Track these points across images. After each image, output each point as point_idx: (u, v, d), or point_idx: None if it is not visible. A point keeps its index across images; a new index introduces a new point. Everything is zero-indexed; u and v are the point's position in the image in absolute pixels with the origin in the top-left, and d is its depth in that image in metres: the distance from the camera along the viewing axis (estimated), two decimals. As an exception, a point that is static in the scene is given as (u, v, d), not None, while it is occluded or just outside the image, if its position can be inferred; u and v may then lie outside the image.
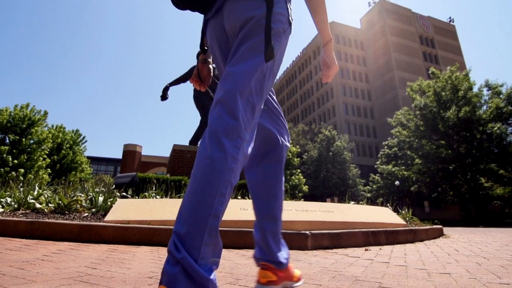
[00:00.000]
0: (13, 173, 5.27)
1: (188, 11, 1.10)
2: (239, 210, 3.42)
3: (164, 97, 7.51)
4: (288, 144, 1.25)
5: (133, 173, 4.81)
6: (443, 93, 24.10)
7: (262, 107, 1.00)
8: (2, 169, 14.42)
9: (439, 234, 4.66)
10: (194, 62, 8.01)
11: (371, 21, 57.31)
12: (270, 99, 1.22)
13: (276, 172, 1.17)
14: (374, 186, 32.21)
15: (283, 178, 1.23)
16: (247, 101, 0.90)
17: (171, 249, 0.75)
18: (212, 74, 1.28)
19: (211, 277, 0.74)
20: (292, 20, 1.03)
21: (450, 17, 61.79)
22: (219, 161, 0.81)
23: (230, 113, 0.86)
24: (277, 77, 70.07)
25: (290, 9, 1.03)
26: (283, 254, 1.15)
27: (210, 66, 1.26)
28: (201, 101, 7.37)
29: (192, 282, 0.72)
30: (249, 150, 0.91)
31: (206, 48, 1.18)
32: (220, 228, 2.40)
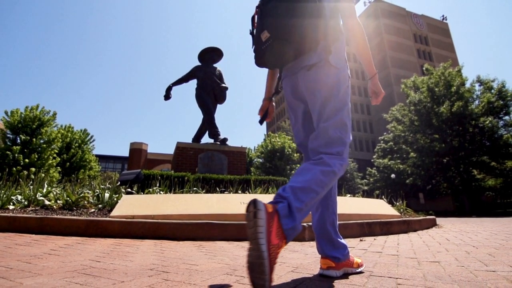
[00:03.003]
0: (25, 171, 5.28)
1: None
2: (239, 204, 3.43)
3: (167, 96, 7.50)
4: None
5: (137, 170, 4.82)
6: (436, 89, 23.93)
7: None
8: (14, 168, 14.46)
9: (432, 224, 4.66)
10: (196, 63, 7.97)
11: (366, 20, 56.81)
12: None
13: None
14: (371, 179, 32.17)
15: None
16: (340, 140, 1.22)
17: (279, 191, 1.06)
18: (274, 109, 1.62)
19: (295, 223, 0.99)
20: (350, 76, 1.33)
21: (443, 15, 61.34)
22: (332, 165, 1.15)
23: (335, 153, 1.20)
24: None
25: (348, 68, 1.33)
26: (339, 250, 1.31)
27: (273, 103, 1.62)
28: (203, 100, 7.36)
29: (289, 210, 0.99)
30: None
31: (280, 90, 1.50)
32: (220, 222, 2.45)
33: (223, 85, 7.51)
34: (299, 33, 1.19)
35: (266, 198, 3.81)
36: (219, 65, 7.93)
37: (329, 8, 1.28)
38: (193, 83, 7.74)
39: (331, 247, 1.30)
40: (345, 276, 1.28)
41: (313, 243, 2.58)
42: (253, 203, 0.93)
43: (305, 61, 1.27)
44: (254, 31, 1.33)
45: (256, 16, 1.33)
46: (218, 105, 7.72)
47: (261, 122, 1.59)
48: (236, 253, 1.96)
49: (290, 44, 1.21)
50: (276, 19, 1.21)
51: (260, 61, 1.32)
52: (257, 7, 1.32)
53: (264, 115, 1.58)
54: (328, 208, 1.34)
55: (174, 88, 7.58)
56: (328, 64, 1.23)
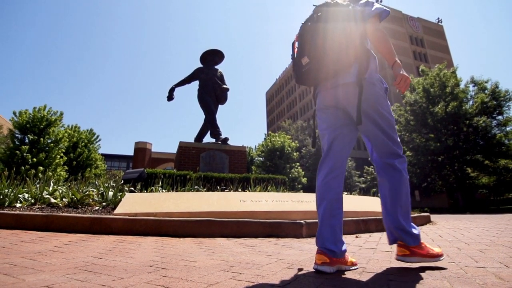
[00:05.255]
0: (32, 170, 5.29)
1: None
2: (239, 202, 3.43)
3: (170, 97, 7.51)
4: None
5: (141, 168, 4.82)
6: (431, 90, 23.84)
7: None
8: (22, 167, 14.47)
9: (426, 221, 4.65)
10: (198, 64, 7.95)
11: (363, 23, 56.61)
12: None
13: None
14: (368, 177, 32.12)
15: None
16: (396, 142, 1.45)
17: (400, 220, 1.40)
18: None
19: (418, 232, 1.40)
20: (387, 87, 1.49)
21: (438, 18, 61.09)
22: (404, 171, 1.46)
23: (401, 153, 1.47)
24: (277, 76, 69.63)
25: (383, 81, 1.48)
26: (337, 245, 1.35)
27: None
28: (205, 101, 7.35)
29: (409, 235, 1.37)
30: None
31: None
32: (220, 219, 2.46)
33: (224, 86, 7.51)
34: (334, 58, 1.38)
35: (265, 196, 3.81)
36: (220, 67, 7.94)
37: (359, 32, 1.43)
38: (195, 84, 7.75)
39: (332, 239, 1.31)
40: (339, 272, 1.28)
41: (310, 240, 2.58)
42: (403, 261, 1.37)
43: (341, 79, 1.42)
44: (295, 55, 1.51)
45: (296, 43, 1.52)
46: (220, 106, 7.72)
47: None
48: (234, 249, 1.96)
49: (326, 67, 1.40)
50: (314, 46, 1.41)
51: (300, 81, 1.53)
52: (297, 35, 1.51)
53: None
54: (339, 201, 1.41)
55: (176, 89, 7.60)
56: (365, 82, 1.38)
